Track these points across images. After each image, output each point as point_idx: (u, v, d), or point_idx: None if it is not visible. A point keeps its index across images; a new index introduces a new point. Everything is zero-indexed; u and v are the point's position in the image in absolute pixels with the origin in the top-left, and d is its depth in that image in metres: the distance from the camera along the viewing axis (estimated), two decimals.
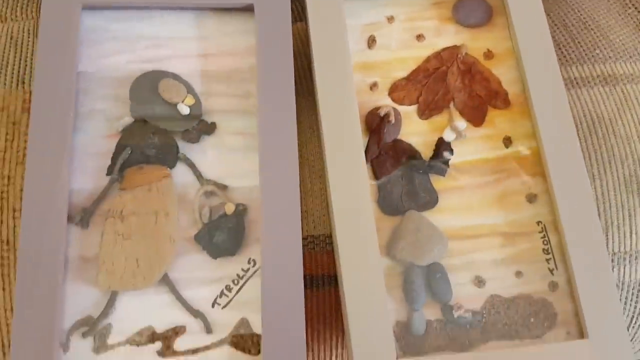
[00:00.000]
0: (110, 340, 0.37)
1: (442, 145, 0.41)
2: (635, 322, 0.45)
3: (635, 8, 0.51)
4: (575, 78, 0.46)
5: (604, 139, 0.44)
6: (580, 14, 0.49)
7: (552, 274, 0.39)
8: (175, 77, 0.42)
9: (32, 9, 0.47)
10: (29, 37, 0.45)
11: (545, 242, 0.40)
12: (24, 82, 0.43)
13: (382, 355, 0.36)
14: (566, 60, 0.47)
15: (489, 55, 0.44)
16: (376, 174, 0.41)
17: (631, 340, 0.46)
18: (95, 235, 0.38)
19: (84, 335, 0.37)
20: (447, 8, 0.45)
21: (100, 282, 0.37)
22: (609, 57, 0.47)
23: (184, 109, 0.41)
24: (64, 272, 0.37)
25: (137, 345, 0.37)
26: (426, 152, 0.42)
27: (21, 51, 0.45)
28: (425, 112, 0.43)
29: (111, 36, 0.42)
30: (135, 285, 0.37)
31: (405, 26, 0.45)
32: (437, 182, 0.41)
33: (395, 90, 0.43)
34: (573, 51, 0.47)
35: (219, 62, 0.43)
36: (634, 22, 0.50)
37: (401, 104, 0.43)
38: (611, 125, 0.45)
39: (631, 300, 0.44)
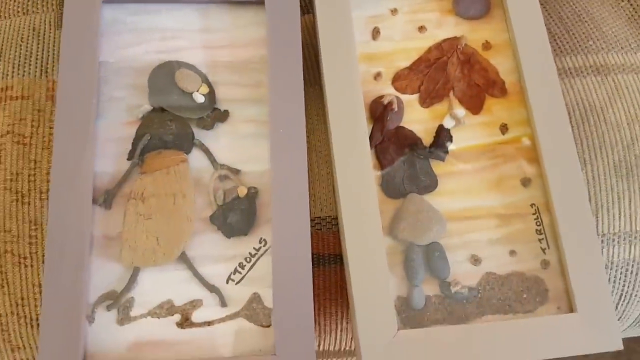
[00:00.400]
0: (133, 313, 0.39)
1: (442, 132, 0.44)
2: (624, 299, 0.47)
3: (628, 1, 0.52)
4: (569, 68, 0.48)
5: (595, 126, 0.46)
6: (575, 7, 0.51)
7: (544, 253, 0.42)
8: (190, 67, 0.44)
9: (53, 1, 0.49)
10: (50, 29, 0.47)
11: (538, 223, 0.42)
12: (47, 72, 0.45)
13: (384, 328, 0.38)
14: (560, 51, 0.49)
15: (487, 46, 0.46)
16: (380, 159, 0.43)
17: (621, 317, 0.49)
18: (118, 216, 0.40)
19: (108, 308, 0.39)
20: (447, 1, 0.47)
21: (124, 259, 0.40)
22: (602, 48, 0.49)
23: (199, 98, 0.43)
24: (89, 250, 0.39)
25: (158, 317, 0.39)
26: (427, 139, 0.44)
27: (44, 42, 0.47)
28: (427, 100, 0.45)
29: (129, 28, 0.44)
30: (155, 262, 0.40)
31: (408, 18, 0.46)
32: (437, 166, 0.43)
33: (398, 80, 0.45)
34: (567, 42, 0.49)
35: (231, 53, 0.45)
36: (626, 14, 0.52)
37: (404, 92, 0.45)
38: (602, 113, 0.47)
39: (619, 278, 0.46)
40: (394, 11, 0.46)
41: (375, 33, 0.46)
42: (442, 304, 0.40)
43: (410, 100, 0.45)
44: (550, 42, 0.49)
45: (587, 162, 0.45)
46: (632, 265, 0.46)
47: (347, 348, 0.47)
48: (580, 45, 0.49)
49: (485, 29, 0.46)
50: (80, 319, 0.38)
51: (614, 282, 0.46)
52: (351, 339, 0.46)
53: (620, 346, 0.39)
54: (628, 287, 0.46)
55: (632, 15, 0.52)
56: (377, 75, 0.45)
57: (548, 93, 0.43)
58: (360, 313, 0.38)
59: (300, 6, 0.50)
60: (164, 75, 0.43)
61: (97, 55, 0.42)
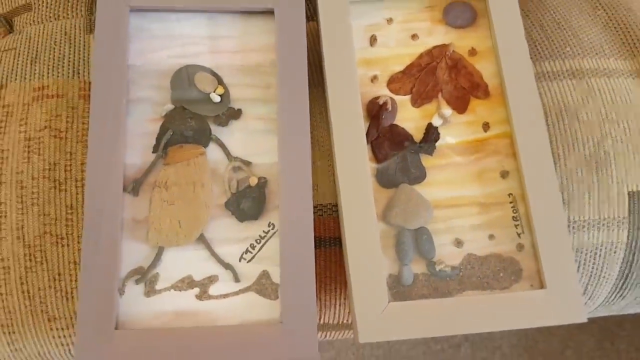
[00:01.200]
0: (158, 286, 0.44)
1: (431, 130, 0.48)
2: (594, 280, 0.52)
3: (604, 9, 0.57)
4: (547, 72, 0.53)
5: (569, 124, 0.51)
6: (555, 15, 0.56)
7: (520, 237, 0.46)
8: (207, 70, 0.48)
9: (82, 7, 0.54)
10: (80, 33, 0.52)
11: (514, 211, 0.47)
12: (79, 73, 0.50)
13: (377, 301, 0.43)
14: (540, 56, 0.53)
15: (472, 52, 0.50)
16: (375, 153, 0.47)
17: (591, 296, 0.53)
18: (145, 202, 0.45)
19: (137, 282, 0.44)
20: (438, 11, 0.51)
21: (150, 240, 0.44)
22: (578, 53, 0.54)
23: (216, 98, 0.47)
24: (120, 231, 0.43)
25: (180, 290, 0.44)
26: (417, 135, 0.48)
27: (75, 45, 0.51)
28: (418, 101, 0.49)
29: (154, 35, 0.48)
30: (178, 242, 0.44)
31: (402, 27, 0.50)
32: (426, 160, 0.47)
33: (392, 82, 0.49)
34: (546, 48, 0.54)
35: (244, 58, 0.49)
36: (602, 22, 0.56)
37: (397, 94, 0.49)
38: (576, 113, 0.51)
39: (589, 261, 0.50)
40: (389, 20, 0.51)
41: (373, 40, 0.50)
42: (428, 280, 0.45)
43: (403, 100, 0.49)
44: (531, 48, 0.54)
45: (561, 156, 0.50)
46: (600, 249, 0.50)
47: (345, 321, 0.52)
48: (558, 51, 0.54)
49: (472, 37, 0.50)
50: (112, 291, 0.42)
51: (584, 264, 0.51)
52: (349, 313, 0.51)
53: (584, 319, 0.44)
54: (597, 269, 0.51)
55: (607, 23, 0.56)
56: (374, 78, 0.49)
57: (526, 95, 0.47)
58: (356, 288, 0.43)
59: (306, 14, 0.54)
60: (185, 77, 0.47)
61: (126, 59, 0.46)
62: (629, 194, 0.50)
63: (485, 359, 1.01)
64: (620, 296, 0.54)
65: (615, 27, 0.56)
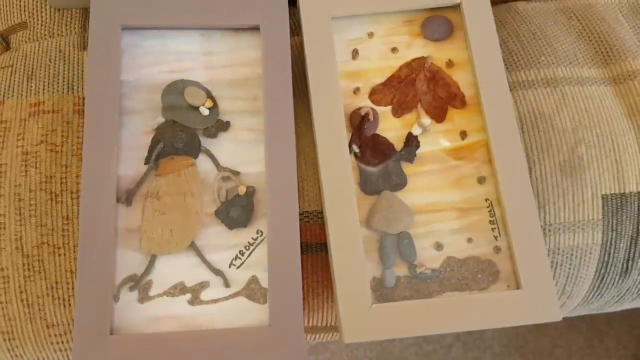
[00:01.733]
0: (151, 293, 0.45)
1: (411, 139, 0.50)
2: (571, 280, 0.53)
3: (578, 20, 0.59)
4: (522, 81, 0.55)
5: (544, 131, 0.53)
6: (531, 25, 0.58)
7: (497, 240, 0.48)
8: (196, 84, 0.50)
9: (75, 25, 0.56)
10: (74, 50, 0.54)
11: (491, 215, 0.49)
12: (73, 88, 0.52)
13: (361, 303, 0.45)
14: (516, 66, 0.56)
15: (450, 64, 0.52)
16: (358, 161, 0.50)
17: (569, 296, 0.55)
18: (137, 212, 0.47)
19: (131, 289, 0.45)
20: (417, 25, 0.53)
21: (143, 248, 0.46)
22: (552, 62, 0.56)
23: (205, 111, 0.49)
24: (114, 241, 0.45)
25: (172, 296, 0.46)
26: (398, 144, 0.50)
27: (69, 62, 0.53)
28: (398, 111, 0.51)
29: (145, 51, 0.50)
30: (170, 250, 0.46)
31: (383, 41, 0.52)
32: (407, 167, 0.49)
33: (374, 94, 0.51)
34: (522, 58, 0.56)
35: (232, 72, 0.51)
36: (576, 31, 0.59)
37: (379, 105, 0.51)
38: (550, 120, 0.53)
39: (566, 262, 0.52)
40: (370, 35, 0.53)
41: (355, 54, 0.52)
42: (410, 283, 0.47)
43: (385, 111, 0.51)
44: (507, 58, 0.56)
45: (537, 162, 0.52)
46: (576, 251, 0.52)
47: (332, 324, 0.54)
48: (533, 60, 0.56)
49: (449, 49, 0.53)
50: (107, 298, 0.44)
51: (561, 265, 0.53)
52: (335, 315, 0.53)
53: (558, 318, 0.46)
54: (573, 269, 0.53)
55: (581, 33, 0.59)
56: (356, 90, 0.51)
57: (500, 104, 0.49)
58: (341, 291, 0.45)
59: (290, 28, 0.56)
60: (175, 91, 0.49)
61: (118, 75, 0.48)
62: (602, 197, 0.52)
63: (477, 358, 1.03)
64: (598, 295, 0.56)
65: (588, 37, 0.58)
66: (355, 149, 0.49)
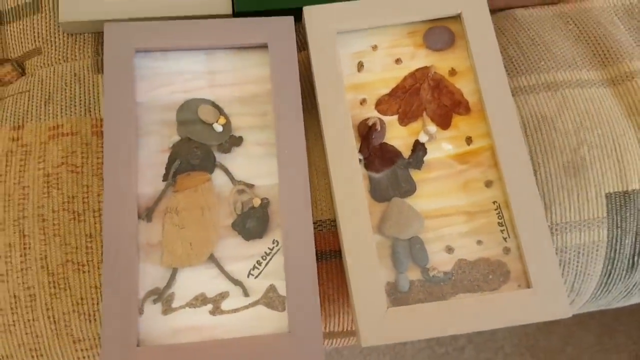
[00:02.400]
0: (174, 305, 0.47)
1: (418, 146, 0.52)
2: (579, 277, 0.55)
3: (575, 24, 0.61)
4: (524, 86, 0.57)
5: (547, 134, 0.55)
6: (530, 32, 0.60)
7: (506, 241, 0.50)
8: (209, 102, 0.52)
9: (88, 49, 0.58)
10: (89, 73, 0.56)
11: (500, 217, 0.50)
12: (90, 111, 0.54)
13: (377, 307, 0.46)
14: (517, 72, 0.57)
15: (453, 72, 0.54)
16: (368, 170, 0.51)
17: (578, 292, 0.57)
18: (158, 227, 0.49)
19: (154, 301, 0.47)
20: (419, 36, 0.55)
21: (164, 262, 0.48)
22: (552, 67, 0.58)
23: (218, 128, 0.51)
24: (137, 256, 0.47)
25: (194, 307, 0.47)
26: (406, 152, 0.52)
27: (85, 85, 0.55)
28: (404, 120, 0.53)
29: (157, 72, 0.52)
30: (190, 263, 0.48)
31: (387, 53, 0.54)
32: (415, 174, 0.51)
33: (380, 104, 0.53)
34: (522, 63, 0.58)
35: (242, 89, 0.52)
36: (574, 35, 0.60)
37: (385, 114, 0.53)
38: (552, 122, 0.55)
39: (574, 260, 0.54)
40: (374, 47, 0.54)
41: (360, 66, 0.54)
42: (423, 286, 0.49)
43: (391, 120, 0.53)
44: (507, 64, 0.58)
45: (541, 164, 0.54)
46: (583, 248, 0.54)
47: (349, 328, 0.55)
48: (533, 66, 0.58)
49: (451, 58, 0.54)
50: (133, 312, 0.45)
51: (569, 263, 0.54)
52: (352, 320, 0.55)
53: (568, 314, 0.47)
54: (581, 266, 0.55)
55: (578, 37, 0.60)
56: (363, 101, 0.53)
57: (503, 109, 0.51)
58: (357, 296, 0.46)
59: (297, 44, 0.58)
60: (189, 110, 0.51)
61: (134, 96, 0.50)
62: (606, 195, 0.54)
63: (489, 359, 1.04)
64: (606, 291, 0.58)
65: (586, 40, 0.60)
66: (359, 156, 0.51)
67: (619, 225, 0.54)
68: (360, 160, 0.51)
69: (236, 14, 0.56)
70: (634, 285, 0.58)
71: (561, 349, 1.05)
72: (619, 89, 0.58)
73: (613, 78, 0.58)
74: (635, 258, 0.55)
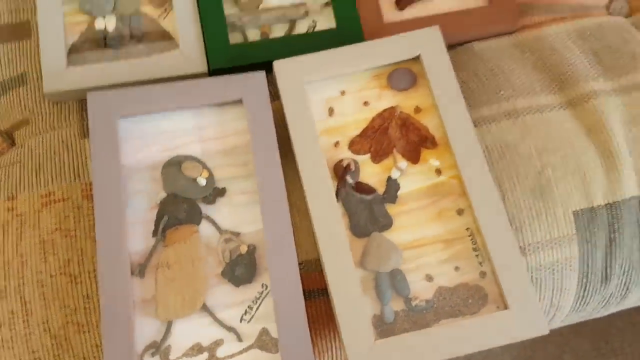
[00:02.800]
0: (172, 357, 0.49)
1: (391, 182, 0.54)
2: (556, 292, 0.57)
3: (531, 52, 0.64)
4: (486, 116, 0.59)
5: (511, 159, 0.58)
6: (488, 63, 0.63)
7: (481, 265, 0.52)
8: (192, 158, 0.54)
9: (74, 115, 0.60)
10: (76, 139, 0.58)
11: (474, 243, 0.53)
12: (79, 176, 0.56)
13: (365, 339, 0.48)
14: (478, 102, 0.60)
15: (417, 110, 0.57)
16: (346, 208, 0.54)
17: (557, 307, 0.59)
18: (151, 282, 0.51)
19: (152, 355, 0.49)
20: (383, 79, 0.58)
21: (159, 315, 0.50)
22: (511, 95, 0.61)
23: (202, 181, 0.54)
24: (133, 312, 0.49)
25: (190, 357, 0.49)
26: (380, 188, 0.54)
27: (73, 151, 0.57)
28: (376, 158, 0.55)
29: (140, 135, 0.55)
30: (184, 314, 0.50)
31: (355, 96, 0.57)
32: (391, 208, 0.54)
33: (352, 145, 0.56)
34: (483, 94, 0.61)
35: (222, 142, 0.55)
36: (531, 63, 0.64)
37: (358, 154, 0.55)
38: (516, 148, 0.58)
39: (549, 277, 0.56)
40: (343, 92, 0.57)
41: (331, 111, 0.57)
42: (407, 316, 0.51)
43: (364, 159, 0.55)
44: (469, 96, 0.61)
45: (508, 189, 0.57)
46: (557, 265, 0.56)
47: None
48: (494, 96, 0.61)
49: (415, 97, 0.57)
50: None
51: (546, 280, 0.57)
52: (344, 354, 0.56)
53: (545, 331, 0.49)
54: (557, 283, 0.57)
55: (535, 64, 0.64)
56: (336, 144, 0.56)
57: (466, 141, 0.54)
58: (345, 331, 0.48)
59: (270, 94, 0.60)
60: (173, 167, 0.54)
61: (120, 159, 0.53)
62: (573, 213, 0.57)
63: None
64: (584, 303, 0.60)
65: (542, 66, 0.64)
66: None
67: (588, 240, 0.57)
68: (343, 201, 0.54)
69: (212, 71, 0.59)
70: (610, 296, 0.60)
71: (559, 357, 1.07)
72: (577, 110, 0.61)
73: (571, 100, 0.62)
74: (608, 270, 0.58)
